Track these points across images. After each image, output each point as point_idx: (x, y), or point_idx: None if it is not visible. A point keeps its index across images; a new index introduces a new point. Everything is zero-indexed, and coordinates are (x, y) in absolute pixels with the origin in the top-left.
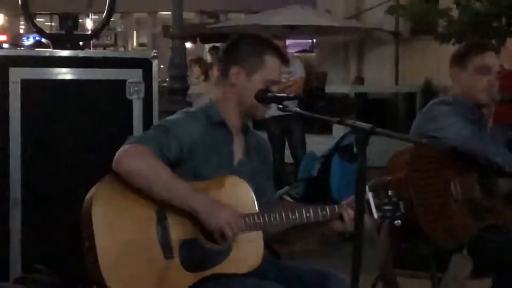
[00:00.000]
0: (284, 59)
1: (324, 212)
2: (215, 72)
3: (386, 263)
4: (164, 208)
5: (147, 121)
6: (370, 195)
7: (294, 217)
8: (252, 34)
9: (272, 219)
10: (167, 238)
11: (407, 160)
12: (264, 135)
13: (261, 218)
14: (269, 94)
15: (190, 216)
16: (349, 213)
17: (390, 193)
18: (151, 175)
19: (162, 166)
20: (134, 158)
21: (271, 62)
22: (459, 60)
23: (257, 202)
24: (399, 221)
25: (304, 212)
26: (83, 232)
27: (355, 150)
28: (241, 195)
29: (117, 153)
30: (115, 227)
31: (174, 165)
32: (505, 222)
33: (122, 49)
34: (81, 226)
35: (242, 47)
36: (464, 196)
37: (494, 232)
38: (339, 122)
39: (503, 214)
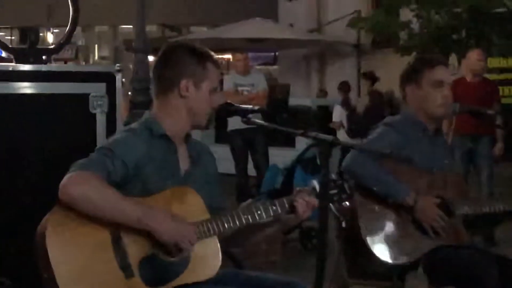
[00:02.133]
0: (218, 66)
1: (274, 207)
2: None
3: (337, 266)
4: (117, 228)
5: (111, 135)
6: (315, 182)
7: (246, 216)
8: (186, 43)
9: (225, 222)
10: (125, 258)
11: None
12: (227, 148)
13: (213, 223)
14: (233, 107)
15: (144, 232)
16: (299, 200)
17: (333, 176)
18: (99, 200)
19: (108, 188)
20: (79, 185)
21: (212, 70)
22: (411, 77)
23: (209, 209)
24: (347, 202)
25: (255, 211)
26: (39, 264)
27: (318, 161)
28: (191, 204)
29: (62, 182)
30: (72, 255)
31: (122, 184)
32: (459, 243)
33: (83, 62)
34: (36, 258)
35: (185, 58)
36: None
37: (448, 250)
38: (302, 134)
39: (459, 235)
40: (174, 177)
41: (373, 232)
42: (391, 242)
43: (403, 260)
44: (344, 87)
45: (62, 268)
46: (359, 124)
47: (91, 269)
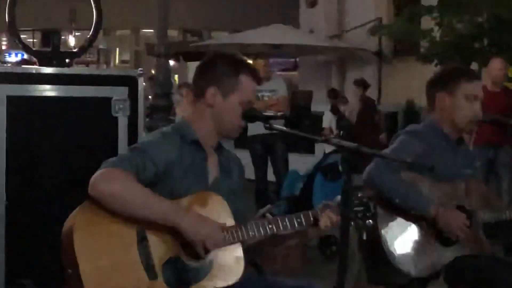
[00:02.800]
0: (258, 78)
1: (299, 220)
2: None
3: (359, 276)
4: (144, 228)
5: (132, 138)
6: (339, 198)
7: (270, 226)
8: (228, 54)
9: (249, 230)
10: (149, 259)
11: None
12: (246, 153)
13: (238, 230)
14: (256, 112)
15: (170, 234)
16: (324, 216)
17: (359, 194)
18: (128, 197)
19: (138, 186)
20: (109, 182)
21: (246, 82)
22: (445, 84)
23: (236, 219)
24: (370, 221)
25: (279, 221)
26: (64, 258)
27: (340, 169)
28: (218, 209)
29: (92, 178)
30: (97, 252)
31: (151, 185)
32: (481, 252)
33: (105, 66)
34: (62, 252)
35: (218, 67)
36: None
37: (469, 260)
38: (325, 141)
39: (480, 244)
40: (202, 184)
41: (394, 244)
42: (413, 254)
43: (426, 272)
44: (333, 94)
45: (87, 264)
46: (347, 129)
47: (115, 268)
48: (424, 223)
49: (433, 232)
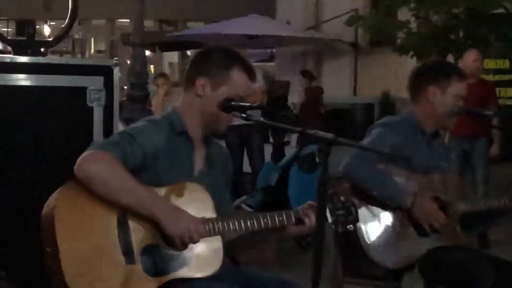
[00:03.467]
0: (252, 75)
1: (280, 218)
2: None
3: (335, 270)
4: (125, 213)
5: (108, 129)
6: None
7: (251, 222)
8: (224, 47)
9: (230, 224)
10: (128, 244)
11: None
12: (222, 144)
13: (219, 223)
14: (232, 103)
15: (151, 221)
16: (311, 216)
17: (342, 198)
18: (112, 181)
19: (123, 172)
20: (95, 163)
21: (238, 77)
22: (438, 79)
23: (217, 212)
24: (351, 225)
25: (261, 218)
26: (44, 237)
27: (317, 159)
28: (200, 201)
29: (79, 158)
30: (78, 232)
31: (136, 172)
32: (455, 243)
33: (79, 56)
34: (42, 230)
35: (211, 58)
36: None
37: (443, 251)
38: (302, 132)
39: (455, 236)
40: (187, 175)
41: (370, 236)
42: (389, 246)
43: (401, 264)
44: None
45: (66, 244)
46: (288, 119)
47: (93, 250)
48: (400, 214)
49: (409, 223)
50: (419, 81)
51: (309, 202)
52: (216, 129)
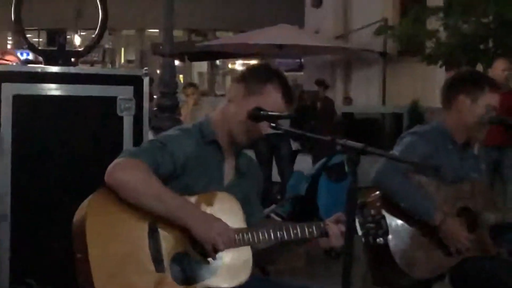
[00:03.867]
0: (289, 96)
1: (310, 230)
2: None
3: (365, 278)
4: (156, 221)
5: (138, 138)
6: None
7: (281, 233)
8: (268, 63)
9: (260, 235)
10: (158, 251)
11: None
12: (251, 153)
13: (249, 233)
14: (262, 112)
15: (181, 229)
16: (334, 229)
17: (373, 211)
18: (142, 188)
19: (154, 179)
20: (126, 171)
21: (271, 92)
22: (470, 89)
23: (246, 223)
24: (381, 239)
25: (291, 229)
26: (75, 243)
27: (346, 169)
28: (231, 210)
29: (110, 166)
30: (108, 239)
31: (167, 180)
32: (487, 254)
33: (110, 65)
34: (73, 237)
35: (254, 70)
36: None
37: (474, 261)
38: (331, 141)
39: (485, 246)
40: (217, 184)
41: (400, 247)
42: (418, 257)
43: (430, 275)
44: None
45: (97, 250)
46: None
47: (124, 257)
48: (428, 229)
49: (437, 238)
50: (451, 90)
51: (337, 214)
52: (238, 141)
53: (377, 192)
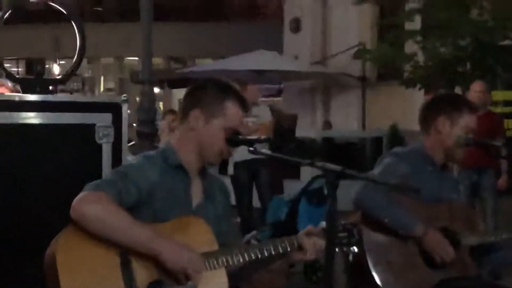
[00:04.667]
0: (245, 107)
1: (283, 244)
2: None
3: None
4: (127, 252)
5: (117, 165)
6: (324, 224)
7: (255, 251)
8: (219, 79)
9: (234, 255)
10: (132, 282)
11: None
12: (229, 179)
13: (222, 255)
14: (240, 136)
15: (153, 257)
16: (306, 243)
17: (343, 221)
18: (109, 221)
19: (120, 210)
20: (91, 204)
21: (232, 109)
22: (449, 111)
23: (221, 244)
24: (354, 247)
25: (264, 247)
26: (48, 281)
27: (325, 192)
28: (200, 233)
29: (75, 200)
30: (81, 275)
31: (133, 209)
32: (466, 274)
33: (89, 94)
34: (45, 275)
35: (205, 90)
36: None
37: (455, 282)
38: (310, 164)
39: (465, 266)
40: (185, 208)
41: (380, 265)
42: (398, 275)
43: None
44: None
45: (70, 286)
46: None
47: None
48: (411, 245)
49: (420, 254)
50: (430, 112)
51: (308, 227)
52: (212, 161)
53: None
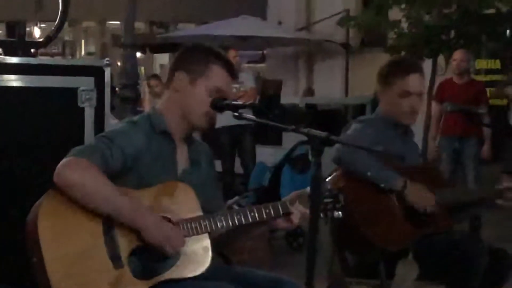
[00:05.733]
0: (232, 72)
1: (267, 210)
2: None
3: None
4: (110, 218)
5: (99, 130)
6: (308, 190)
7: (238, 217)
8: (203, 44)
9: (217, 221)
10: (115, 248)
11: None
12: (213, 145)
13: (205, 221)
14: (225, 101)
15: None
16: (292, 208)
17: (329, 186)
18: (92, 189)
19: (103, 180)
20: (74, 171)
21: (216, 71)
22: (384, 80)
23: (205, 211)
24: (339, 212)
25: (248, 212)
26: (29, 248)
27: (310, 158)
28: (186, 200)
29: (58, 166)
30: (62, 240)
31: (118, 174)
32: (444, 230)
33: (70, 57)
34: (27, 241)
35: (191, 53)
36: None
37: (437, 236)
38: (294, 130)
39: (442, 222)
40: (170, 174)
41: (365, 218)
42: (383, 228)
43: (395, 247)
44: None
45: (51, 253)
46: None
47: (80, 256)
48: (393, 198)
49: (401, 209)
50: (377, 81)
51: (294, 192)
52: (198, 124)
53: (335, 173)
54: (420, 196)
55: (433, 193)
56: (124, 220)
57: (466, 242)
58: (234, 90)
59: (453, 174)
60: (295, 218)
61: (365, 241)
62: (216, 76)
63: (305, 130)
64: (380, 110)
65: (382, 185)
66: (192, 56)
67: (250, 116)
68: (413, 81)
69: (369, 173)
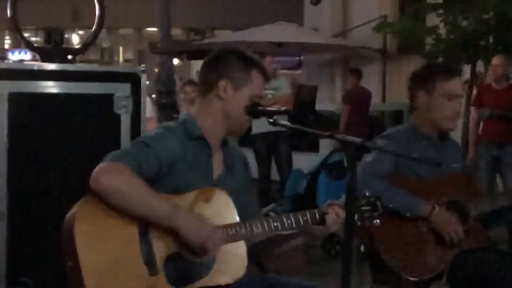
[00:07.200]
0: (267, 77)
1: (304, 218)
2: None
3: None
4: (146, 224)
5: (135, 136)
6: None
7: (275, 224)
8: (236, 49)
9: (254, 227)
10: (150, 254)
11: None
12: (250, 151)
13: (243, 227)
14: (260, 107)
15: (172, 230)
16: (329, 214)
17: (367, 193)
18: (128, 193)
19: (139, 183)
20: (111, 175)
21: (257, 78)
22: (424, 83)
23: (241, 217)
24: (377, 220)
25: (285, 219)
26: (65, 252)
27: (345, 164)
28: (222, 206)
29: (94, 171)
30: (98, 245)
31: (154, 180)
32: (480, 245)
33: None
34: (63, 245)
35: (230, 60)
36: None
37: (469, 256)
38: (329, 136)
39: (476, 236)
40: (206, 180)
41: (393, 252)
42: (413, 259)
43: (428, 275)
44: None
45: (87, 257)
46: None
47: (115, 262)
48: (420, 225)
49: (430, 232)
50: (409, 88)
51: (330, 201)
52: (237, 131)
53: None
54: (448, 228)
55: (462, 214)
56: (161, 221)
57: (498, 262)
58: (269, 96)
59: (492, 182)
60: (331, 221)
61: (394, 273)
62: (257, 83)
63: (340, 136)
64: (410, 122)
65: (408, 215)
66: (232, 64)
67: (285, 122)
68: (455, 84)
69: (390, 206)
